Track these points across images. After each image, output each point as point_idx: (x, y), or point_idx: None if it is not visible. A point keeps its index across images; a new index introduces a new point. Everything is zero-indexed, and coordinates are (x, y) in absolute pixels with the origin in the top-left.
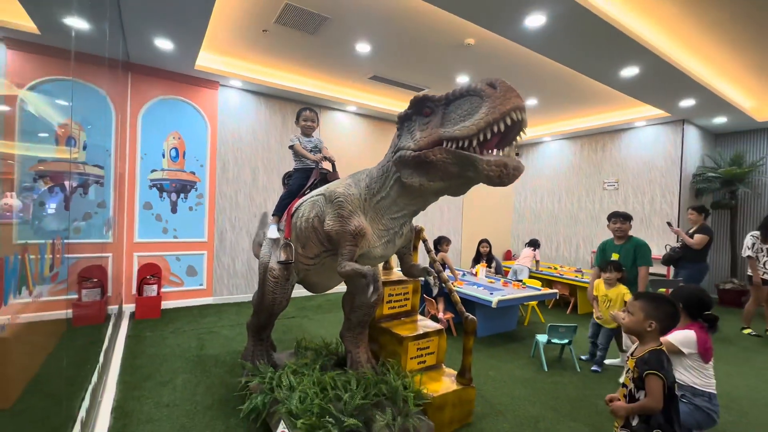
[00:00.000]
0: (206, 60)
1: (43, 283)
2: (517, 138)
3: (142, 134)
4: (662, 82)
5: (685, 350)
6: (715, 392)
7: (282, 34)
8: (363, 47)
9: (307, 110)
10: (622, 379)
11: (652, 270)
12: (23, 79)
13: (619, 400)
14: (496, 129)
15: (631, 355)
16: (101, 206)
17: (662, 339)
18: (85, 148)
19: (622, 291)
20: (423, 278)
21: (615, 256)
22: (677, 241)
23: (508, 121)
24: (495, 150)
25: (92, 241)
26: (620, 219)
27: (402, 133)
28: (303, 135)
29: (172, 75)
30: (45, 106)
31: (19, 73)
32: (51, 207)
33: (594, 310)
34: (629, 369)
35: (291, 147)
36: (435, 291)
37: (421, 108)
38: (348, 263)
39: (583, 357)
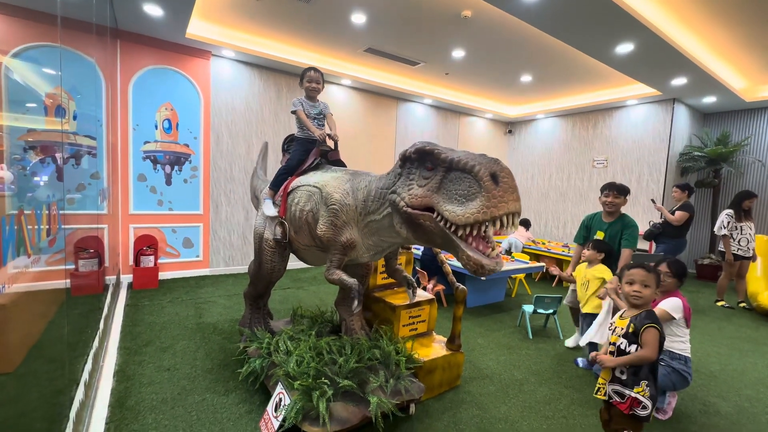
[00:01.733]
0: (198, 28)
1: (40, 249)
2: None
3: (133, 105)
4: (656, 59)
5: (676, 315)
6: (689, 356)
7: (275, 1)
8: (358, 18)
9: (311, 70)
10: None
11: None
12: (6, 45)
13: None
14: (482, 228)
15: (621, 316)
16: (95, 177)
17: (657, 308)
18: (75, 118)
19: (598, 274)
20: (416, 271)
21: (600, 234)
22: (660, 218)
23: (497, 225)
24: (481, 240)
25: (87, 212)
26: (614, 192)
27: (402, 172)
28: (307, 98)
29: (163, 43)
30: (31, 73)
31: (2, 39)
32: (43, 178)
33: (568, 293)
34: (617, 328)
35: (293, 112)
36: (412, 300)
37: (424, 160)
38: (336, 272)
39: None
